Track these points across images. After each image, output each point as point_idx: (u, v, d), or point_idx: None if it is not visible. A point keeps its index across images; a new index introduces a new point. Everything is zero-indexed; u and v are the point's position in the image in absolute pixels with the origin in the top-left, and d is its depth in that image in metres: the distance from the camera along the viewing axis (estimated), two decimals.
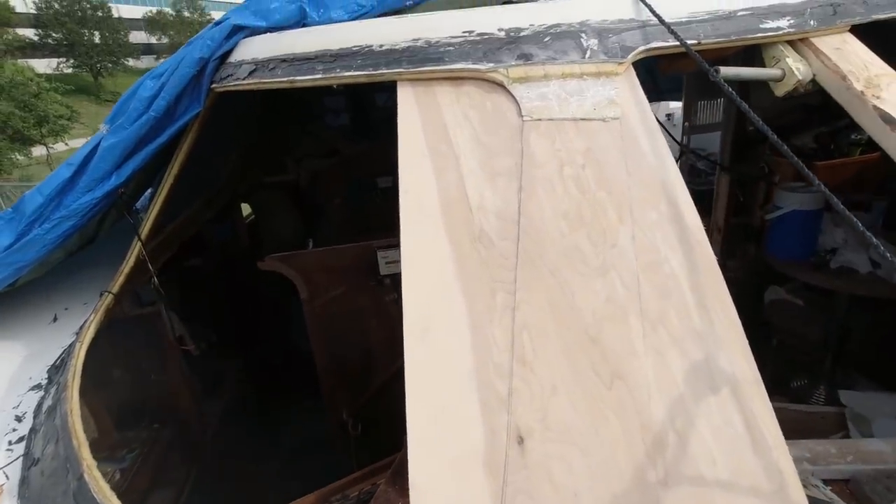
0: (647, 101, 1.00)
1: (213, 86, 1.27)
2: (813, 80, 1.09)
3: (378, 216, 3.46)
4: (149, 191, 2.22)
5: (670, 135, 3.78)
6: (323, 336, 2.61)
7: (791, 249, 2.67)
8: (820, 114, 3.28)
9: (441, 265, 0.81)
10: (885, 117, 0.98)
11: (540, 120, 0.96)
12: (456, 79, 1.02)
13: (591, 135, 0.93)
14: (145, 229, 1.53)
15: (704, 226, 0.80)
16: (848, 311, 2.75)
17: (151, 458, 2.39)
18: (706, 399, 0.69)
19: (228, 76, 1.24)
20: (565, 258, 0.81)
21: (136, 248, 1.54)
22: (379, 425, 2.68)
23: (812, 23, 1.09)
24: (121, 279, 1.53)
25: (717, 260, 0.80)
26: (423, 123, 0.98)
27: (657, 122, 0.99)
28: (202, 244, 3.38)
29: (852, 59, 1.07)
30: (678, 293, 0.77)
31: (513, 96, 0.98)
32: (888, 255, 0.71)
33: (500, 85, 0.99)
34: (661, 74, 2.61)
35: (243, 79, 1.20)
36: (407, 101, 1.01)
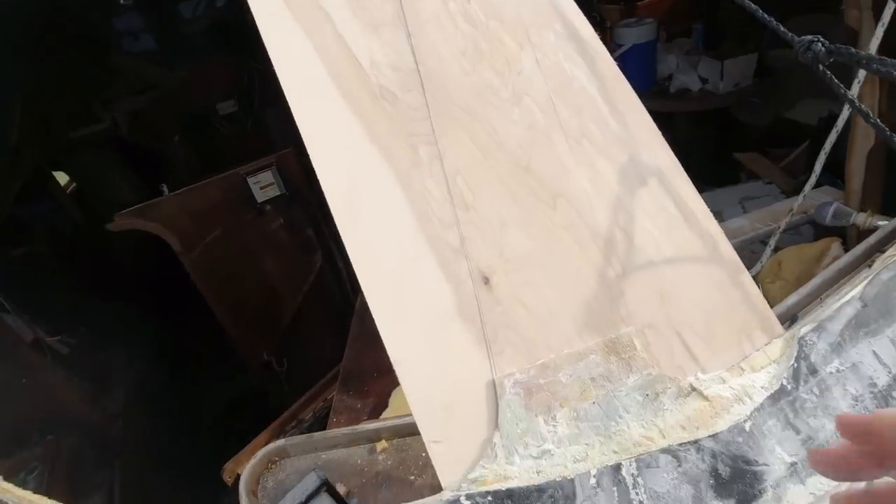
0: None
1: None
2: None
3: (230, 147, 3.08)
4: None
5: None
6: (213, 286, 2.38)
7: (637, 82, 2.89)
8: None
9: (349, 135, 0.72)
10: None
11: None
12: None
13: None
14: None
15: None
16: (686, 130, 3.15)
17: (59, 471, 2.12)
18: (639, 193, 0.72)
19: None
20: (476, 96, 0.76)
21: None
22: (303, 352, 2.62)
23: None
24: None
25: None
26: None
27: None
28: (21, 232, 2.79)
29: None
30: (592, 106, 0.77)
31: None
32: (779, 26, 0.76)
33: None
34: None
35: None
36: None
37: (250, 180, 2.27)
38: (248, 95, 3.19)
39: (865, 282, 0.70)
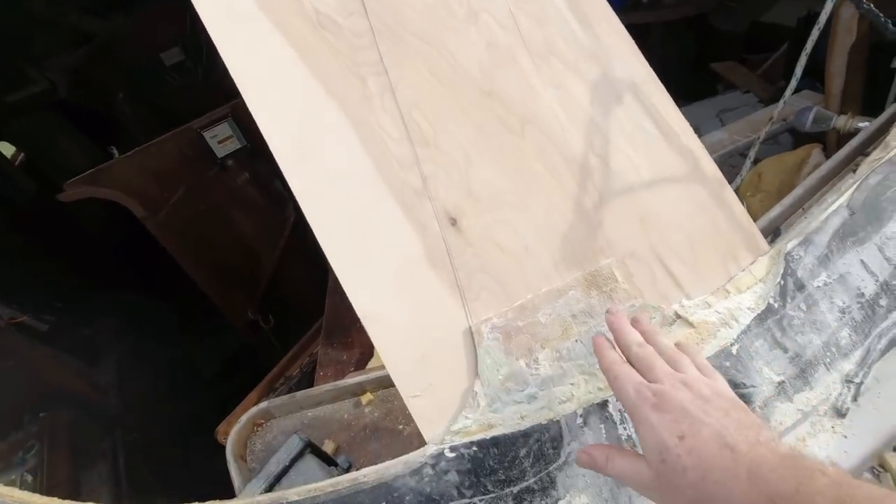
0: None
1: None
2: None
3: (183, 100, 2.88)
4: None
5: None
6: (186, 250, 2.29)
7: None
8: None
9: (287, 71, 0.64)
10: None
11: None
12: None
13: None
14: None
15: None
16: (661, 42, 3.02)
17: (59, 445, 2.12)
18: (614, 112, 0.66)
19: None
20: (427, 16, 0.67)
21: None
22: (289, 307, 2.59)
23: None
24: None
25: None
26: None
27: None
28: None
29: None
30: (557, 16, 0.69)
31: None
32: None
33: None
34: None
35: None
36: None
37: (206, 134, 2.12)
38: (195, 41, 2.94)
39: (853, 188, 0.66)
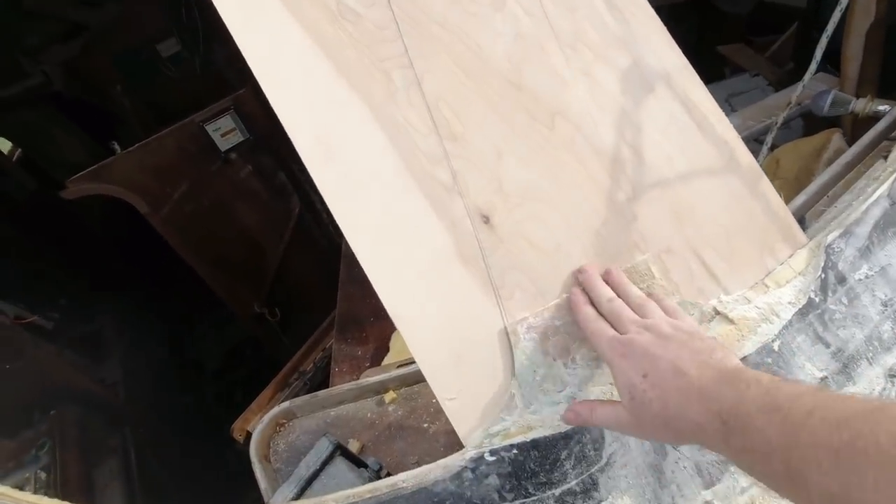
0: None
1: None
2: None
3: (182, 92, 2.83)
4: None
5: None
6: (190, 244, 2.27)
7: None
8: None
9: (308, 64, 0.61)
10: None
11: None
12: None
13: None
14: None
15: None
16: (669, 24, 2.97)
17: (69, 441, 2.13)
18: (646, 102, 0.64)
19: None
20: (451, 4, 0.65)
21: None
22: (295, 300, 2.59)
23: None
24: None
25: None
26: None
27: None
28: None
29: None
30: (586, 2, 0.66)
31: None
32: None
33: None
34: None
35: None
36: None
37: (209, 128, 2.09)
38: (191, 31, 2.88)
39: (893, 177, 0.65)
